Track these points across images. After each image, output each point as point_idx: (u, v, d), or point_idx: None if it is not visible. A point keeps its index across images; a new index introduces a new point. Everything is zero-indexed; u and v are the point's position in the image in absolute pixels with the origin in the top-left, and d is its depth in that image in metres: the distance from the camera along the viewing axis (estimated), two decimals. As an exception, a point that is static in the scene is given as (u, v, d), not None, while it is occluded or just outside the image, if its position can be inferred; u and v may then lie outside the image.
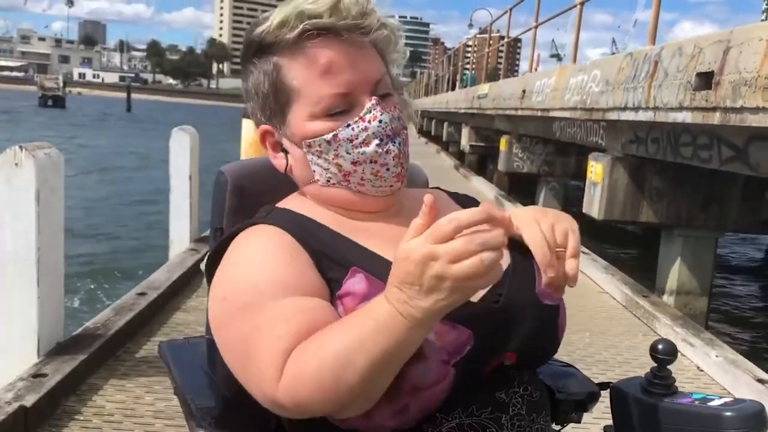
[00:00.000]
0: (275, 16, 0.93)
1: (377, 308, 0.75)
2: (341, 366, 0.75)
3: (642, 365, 3.61)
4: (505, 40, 12.99)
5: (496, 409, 0.89)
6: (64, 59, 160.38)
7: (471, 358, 0.87)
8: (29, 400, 2.49)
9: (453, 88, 20.43)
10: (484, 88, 12.69)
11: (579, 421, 1.07)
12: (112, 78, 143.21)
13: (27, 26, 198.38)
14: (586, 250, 6.16)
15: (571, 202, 10.11)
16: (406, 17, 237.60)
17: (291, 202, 1.02)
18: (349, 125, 0.94)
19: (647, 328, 4.28)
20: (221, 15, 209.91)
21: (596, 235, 10.73)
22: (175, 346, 1.10)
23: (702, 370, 3.55)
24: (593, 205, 6.18)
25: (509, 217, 0.94)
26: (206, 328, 1.15)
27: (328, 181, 0.97)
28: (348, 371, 0.74)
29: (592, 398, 1.07)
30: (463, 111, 15.28)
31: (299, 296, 0.84)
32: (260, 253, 0.90)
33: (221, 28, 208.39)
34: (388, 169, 0.96)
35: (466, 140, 15.51)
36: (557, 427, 1.05)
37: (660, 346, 0.96)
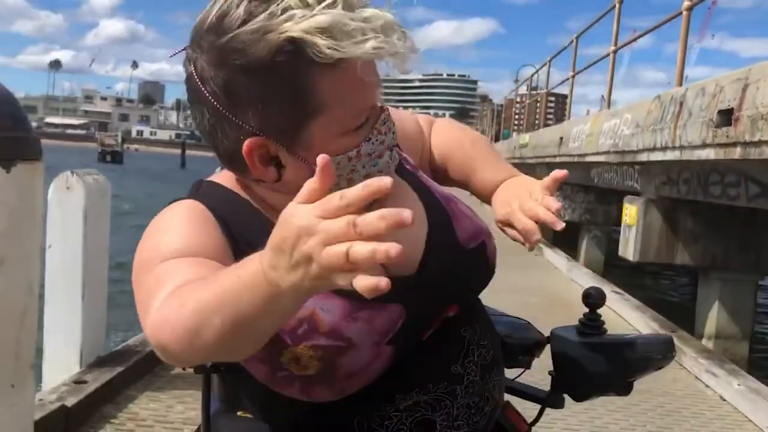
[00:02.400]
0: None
1: (248, 266, 0.68)
2: (198, 322, 0.70)
3: (664, 393, 3.64)
4: (543, 91, 13.21)
5: (451, 382, 0.94)
6: (124, 117, 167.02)
7: (406, 330, 0.89)
8: (70, 402, 2.69)
9: (496, 141, 20.72)
10: (524, 138, 12.88)
11: (528, 366, 1.19)
12: (168, 135, 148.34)
13: (92, 87, 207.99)
14: (618, 290, 6.18)
15: (614, 251, 10.10)
16: (454, 75, 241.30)
17: (225, 178, 0.95)
18: (369, 139, 0.86)
19: (673, 362, 4.28)
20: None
21: (641, 277, 10.64)
22: None
23: (725, 399, 3.55)
24: (628, 248, 6.22)
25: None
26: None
27: None
28: (204, 329, 0.70)
29: (538, 345, 1.19)
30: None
31: (199, 257, 0.82)
32: (171, 221, 0.88)
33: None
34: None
35: (508, 191, 15.62)
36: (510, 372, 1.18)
37: (591, 292, 1.09)
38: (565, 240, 11.39)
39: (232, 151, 0.86)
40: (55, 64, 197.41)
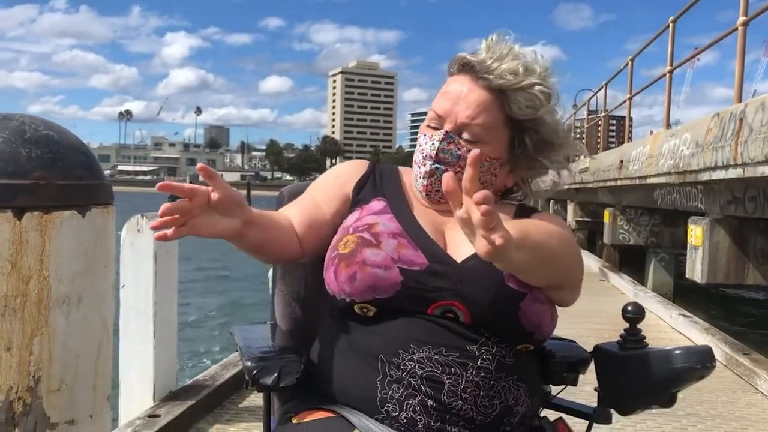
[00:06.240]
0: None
1: None
2: None
3: (737, 418, 3.54)
4: (602, 115, 13.07)
5: (464, 356, 1.08)
6: (191, 162, 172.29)
7: (417, 277, 1.12)
8: (144, 435, 2.82)
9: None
10: (584, 162, 12.72)
11: (574, 384, 1.23)
12: (233, 176, 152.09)
13: (161, 134, 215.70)
14: (687, 313, 6.03)
15: (684, 274, 9.82)
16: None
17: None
18: (425, 135, 1.26)
19: (748, 385, 4.15)
20: (333, 113, 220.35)
21: (716, 300, 10.29)
22: (243, 328, 1.36)
23: (801, 422, 3.42)
24: (695, 270, 6.07)
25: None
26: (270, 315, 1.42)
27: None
28: None
29: (583, 362, 1.23)
30: (566, 187, 15.26)
31: (321, 195, 1.30)
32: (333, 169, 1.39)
33: (333, 126, 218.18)
34: (418, 178, 1.27)
35: (571, 216, 15.41)
36: (556, 388, 1.22)
37: (630, 308, 1.13)
38: (633, 264, 11.16)
39: None
40: (126, 114, 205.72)
